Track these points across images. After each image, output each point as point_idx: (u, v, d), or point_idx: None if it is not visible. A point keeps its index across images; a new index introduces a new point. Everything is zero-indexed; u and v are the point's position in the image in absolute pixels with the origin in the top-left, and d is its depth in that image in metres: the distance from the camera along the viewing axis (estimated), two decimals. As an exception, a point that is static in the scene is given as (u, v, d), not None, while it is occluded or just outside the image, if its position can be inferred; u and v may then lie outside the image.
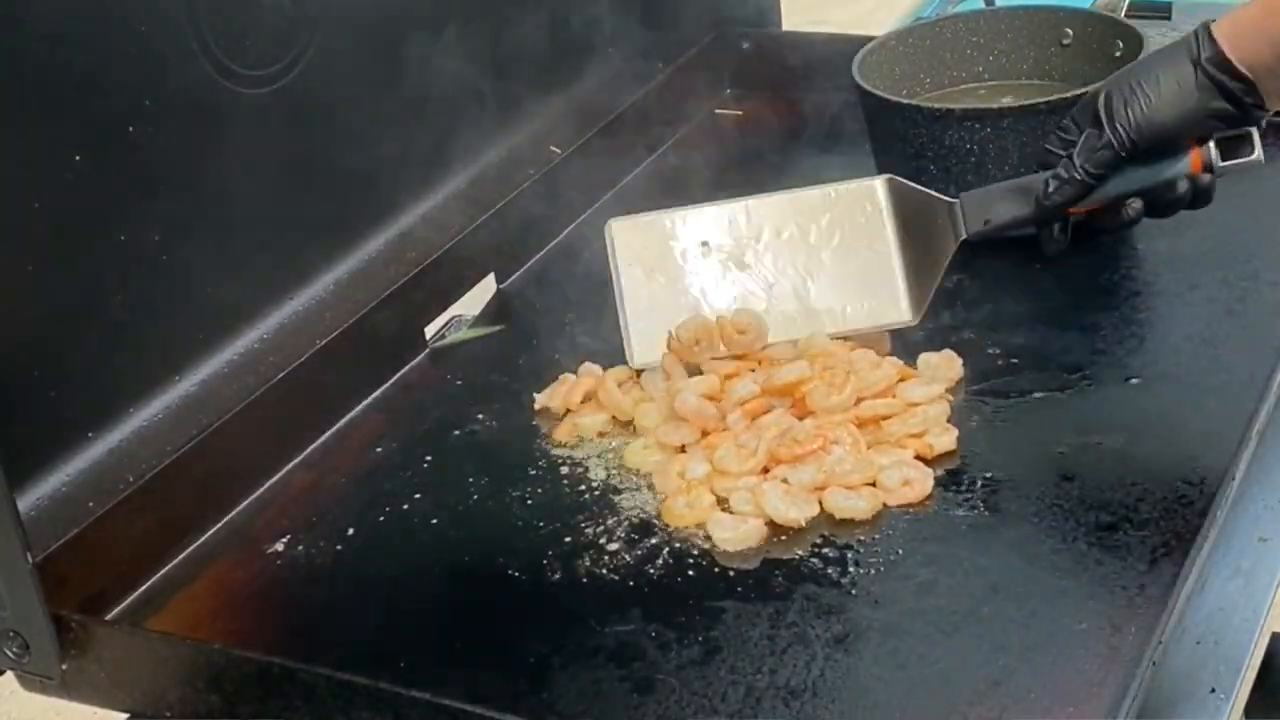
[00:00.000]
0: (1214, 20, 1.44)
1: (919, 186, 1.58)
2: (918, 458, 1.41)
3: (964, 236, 1.53)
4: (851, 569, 1.31)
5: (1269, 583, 1.26)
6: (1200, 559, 1.26)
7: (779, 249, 1.60)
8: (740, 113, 2.11)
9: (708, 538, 1.36)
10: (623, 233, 1.62)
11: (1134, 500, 1.33)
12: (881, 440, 1.44)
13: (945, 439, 1.43)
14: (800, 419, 1.46)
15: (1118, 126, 1.43)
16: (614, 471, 1.47)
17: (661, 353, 1.55)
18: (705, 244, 1.61)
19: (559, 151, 1.90)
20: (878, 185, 1.60)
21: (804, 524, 1.36)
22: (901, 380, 1.50)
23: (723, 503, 1.40)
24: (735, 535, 1.35)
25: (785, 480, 1.40)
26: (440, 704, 1.15)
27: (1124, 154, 1.44)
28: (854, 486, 1.38)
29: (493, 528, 1.42)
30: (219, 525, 1.46)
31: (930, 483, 1.38)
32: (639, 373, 1.58)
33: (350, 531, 1.44)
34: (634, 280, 1.60)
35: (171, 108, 1.47)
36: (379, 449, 1.56)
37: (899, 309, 1.56)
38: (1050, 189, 1.48)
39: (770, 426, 1.45)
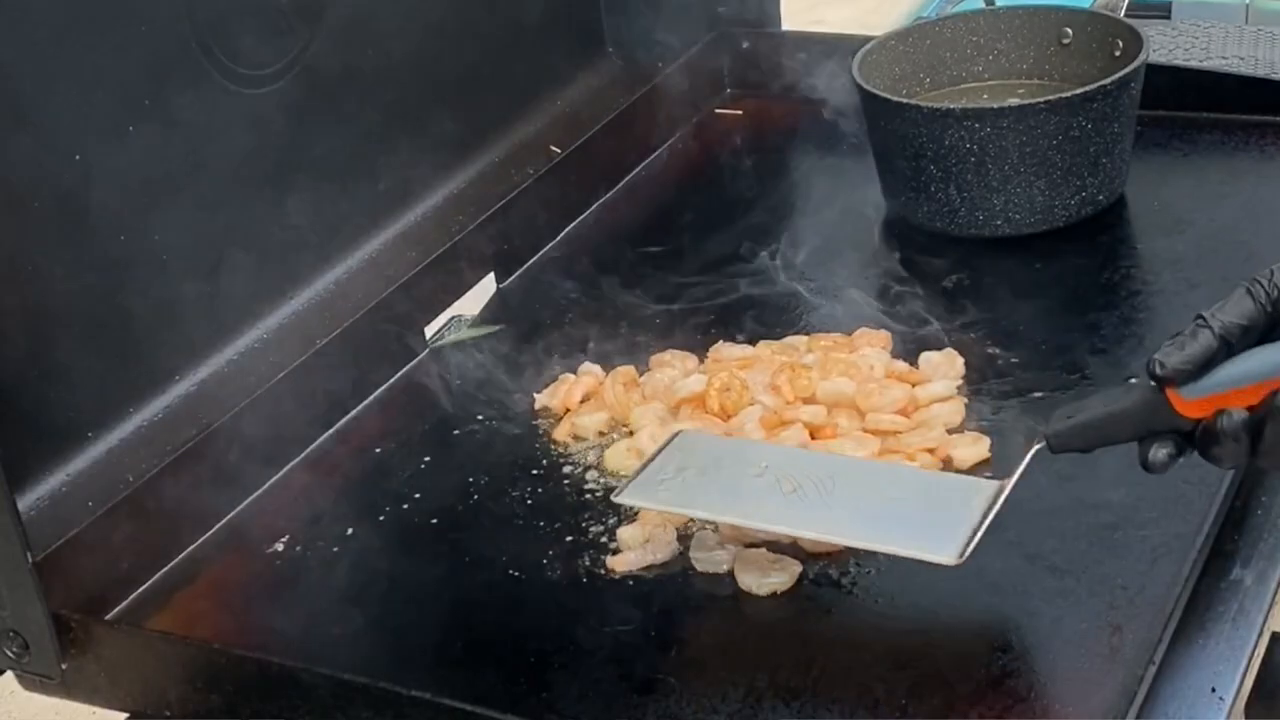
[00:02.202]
0: None
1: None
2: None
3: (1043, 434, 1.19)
4: (852, 569, 1.31)
5: (1269, 582, 1.26)
6: (1200, 559, 1.26)
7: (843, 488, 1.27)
8: (740, 113, 2.11)
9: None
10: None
11: (1134, 500, 1.32)
12: (895, 450, 1.43)
13: (976, 449, 1.42)
14: (813, 435, 1.46)
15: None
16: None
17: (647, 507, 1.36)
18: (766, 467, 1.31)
19: (559, 151, 1.90)
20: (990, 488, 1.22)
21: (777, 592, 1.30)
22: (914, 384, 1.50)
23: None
24: (709, 558, 1.34)
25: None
26: (440, 704, 1.16)
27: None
28: None
29: (493, 528, 1.42)
30: (219, 525, 1.46)
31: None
32: (640, 374, 1.58)
33: (350, 531, 1.44)
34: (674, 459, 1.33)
35: (171, 108, 1.47)
36: (379, 449, 1.56)
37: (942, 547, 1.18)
38: (1163, 350, 1.10)
39: (790, 440, 1.44)
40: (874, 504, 1.21)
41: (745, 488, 1.26)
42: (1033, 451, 1.16)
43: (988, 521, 1.13)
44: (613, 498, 1.33)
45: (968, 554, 1.12)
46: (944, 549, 1.13)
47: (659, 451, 1.33)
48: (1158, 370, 1.09)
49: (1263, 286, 1.11)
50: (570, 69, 2.04)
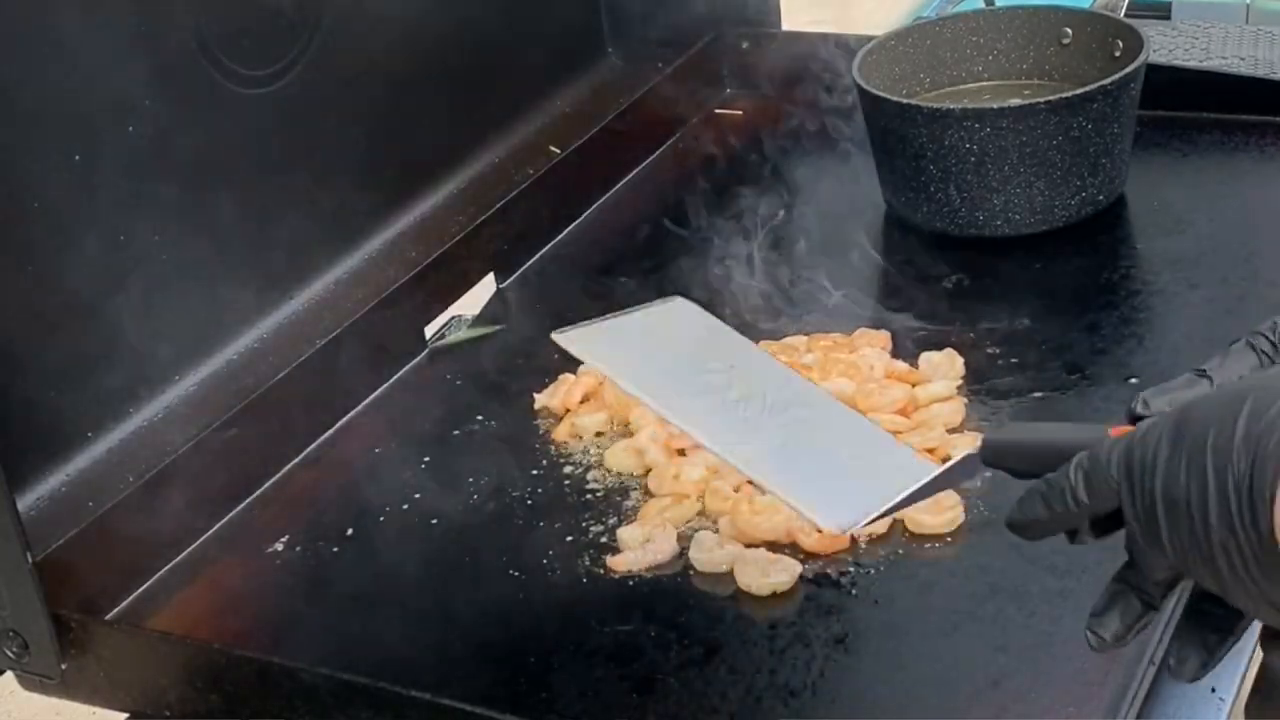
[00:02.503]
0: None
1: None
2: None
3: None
4: (851, 568, 1.31)
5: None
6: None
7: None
8: (740, 113, 2.11)
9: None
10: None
11: (1134, 500, 1.32)
12: None
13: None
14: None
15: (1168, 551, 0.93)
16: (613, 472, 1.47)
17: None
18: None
19: (559, 151, 1.90)
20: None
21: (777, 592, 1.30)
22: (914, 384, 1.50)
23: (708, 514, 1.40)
24: (709, 558, 1.34)
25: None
26: (440, 704, 1.15)
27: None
28: None
29: (493, 528, 1.42)
30: (219, 525, 1.46)
31: (960, 512, 1.34)
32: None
33: (350, 531, 1.44)
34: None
35: (171, 107, 1.47)
36: (379, 449, 1.56)
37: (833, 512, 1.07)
38: (1151, 391, 1.02)
39: None
40: (805, 445, 1.11)
41: (690, 377, 1.15)
42: (963, 453, 1.05)
43: (893, 504, 1.02)
44: (552, 334, 1.19)
45: (857, 528, 1.04)
46: (836, 517, 1.03)
47: (641, 308, 1.22)
48: (1139, 409, 1.02)
49: (1267, 338, 1.06)
50: (570, 69, 2.04)
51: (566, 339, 1.17)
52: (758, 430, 1.10)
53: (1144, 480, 0.91)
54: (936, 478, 1.04)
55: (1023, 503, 0.99)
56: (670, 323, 1.21)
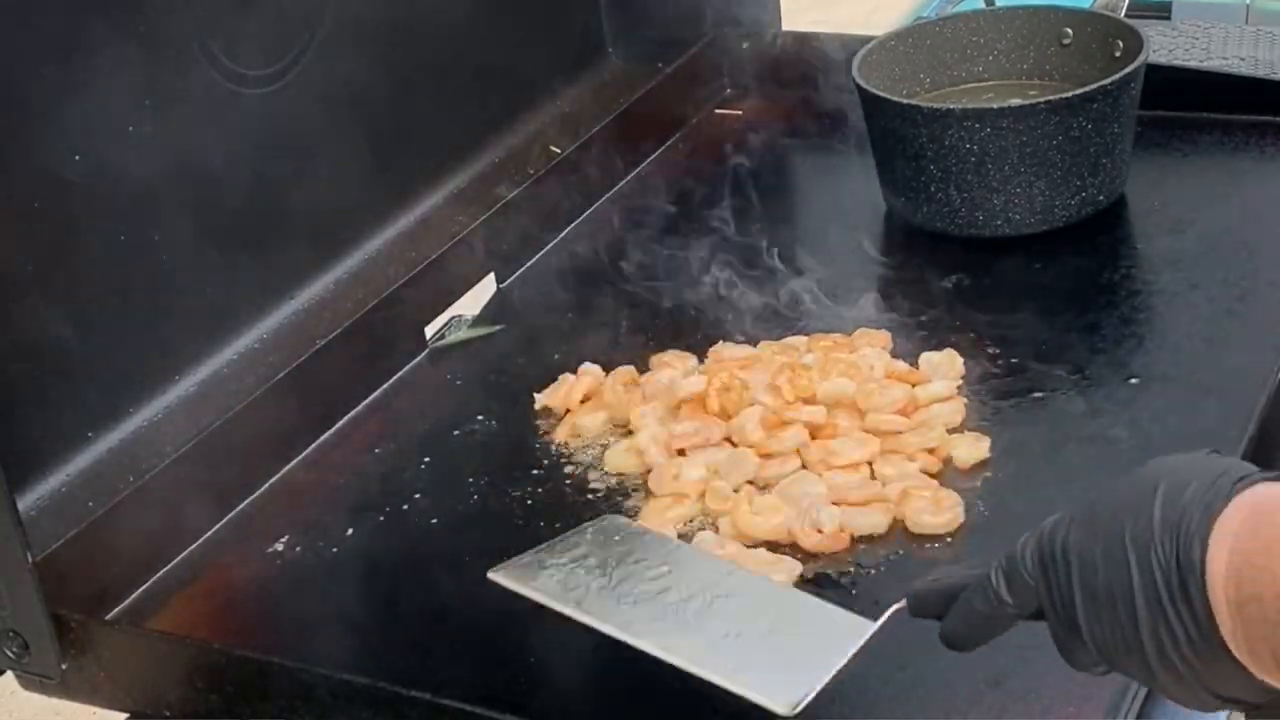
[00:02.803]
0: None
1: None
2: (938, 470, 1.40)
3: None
4: (851, 569, 1.31)
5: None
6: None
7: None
8: (740, 113, 2.11)
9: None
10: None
11: (1134, 500, 1.32)
12: (895, 450, 1.43)
13: (977, 449, 1.42)
14: (813, 436, 1.46)
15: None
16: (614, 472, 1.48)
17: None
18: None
19: (559, 151, 1.90)
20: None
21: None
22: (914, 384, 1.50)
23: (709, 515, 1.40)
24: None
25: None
26: (440, 704, 1.15)
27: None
28: (867, 503, 1.37)
29: (493, 528, 1.42)
30: (219, 525, 1.46)
31: (960, 512, 1.35)
32: (640, 374, 1.58)
33: (350, 531, 1.44)
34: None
35: (171, 108, 1.47)
36: (379, 449, 1.56)
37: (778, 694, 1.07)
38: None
39: (790, 440, 1.44)
40: (748, 632, 1.14)
41: (629, 588, 1.18)
42: (893, 609, 1.07)
43: (837, 669, 1.05)
44: (488, 573, 1.23)
45: (802, 706, 1.04)
46: (785, 696, 1.05)
47: (574, 532, 1.27)
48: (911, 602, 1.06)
49: None
50: (570, 69, 2.04)
51: (503, 576, 1.21)
52: (701, 626, 1.13)
53: (1059, 576, 0.93)
54: (874, 633, 1.07)
55: (954, 614, 1.01)
56: (603, 540, 1.24)
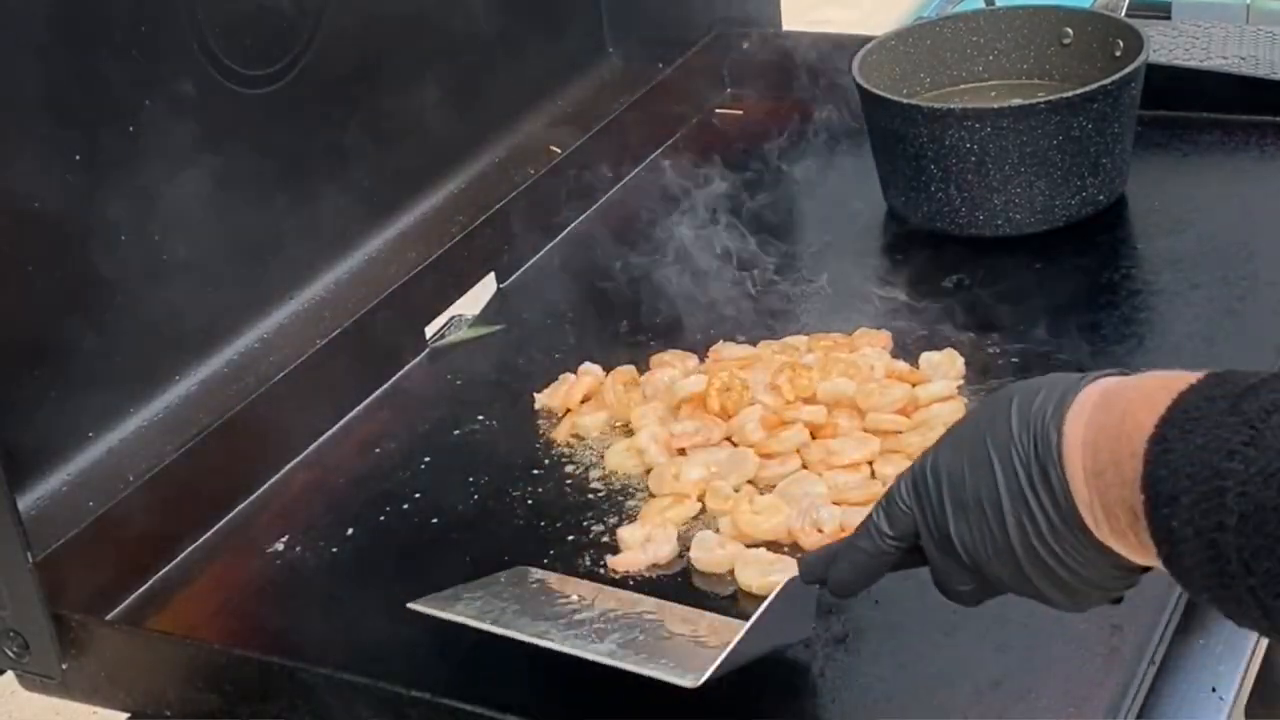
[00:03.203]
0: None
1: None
2: None
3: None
4: (851, 569, 1.31)
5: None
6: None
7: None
8: (740, 113, 2.11)
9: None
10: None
11: (1134, 500, 1.32)
12: (895, 449, 1.43)
13: None
14: (813, 435, 1.46)
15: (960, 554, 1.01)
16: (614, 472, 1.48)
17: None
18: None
19: (559, 151, 1.90)
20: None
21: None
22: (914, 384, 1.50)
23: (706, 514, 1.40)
24: (709, 558, 1.34)
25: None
26: (440, 704, 1.16)
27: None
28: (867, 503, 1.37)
29: (493, 528, 1.42)
30: (219, 525, 1.46)
31: None
32: (640, 374, 1.58)
33: (350, 531, 1.44)
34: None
35: (171, 108, 1.47)
36: (379, 449, 1.56)
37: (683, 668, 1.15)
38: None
39: (790, 440, 1.45)
40: (656, 633, 1.23)
41: (546, 610, 1.26)
42: (784, 582, 1.13)
43: (731, 646, 1.11)
44: (408, 604, 1.26)
45: (704, 679, 1.10)
46: (692, 673, 1.12)
47: (490, 578, 1.31)
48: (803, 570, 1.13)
49: None
50: (570, 69, 2.04)
51: (422, 605, 1.26)
52: (613, 632, 1.21)
53: (930, 495, 1.01)
54: (764, 612, 1.12)
55: (841, 560, 1.08)
56: (518, 580, 1.31)
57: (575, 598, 1.29)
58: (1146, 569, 0.93)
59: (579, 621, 1.24)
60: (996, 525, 0.96)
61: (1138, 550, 0.89)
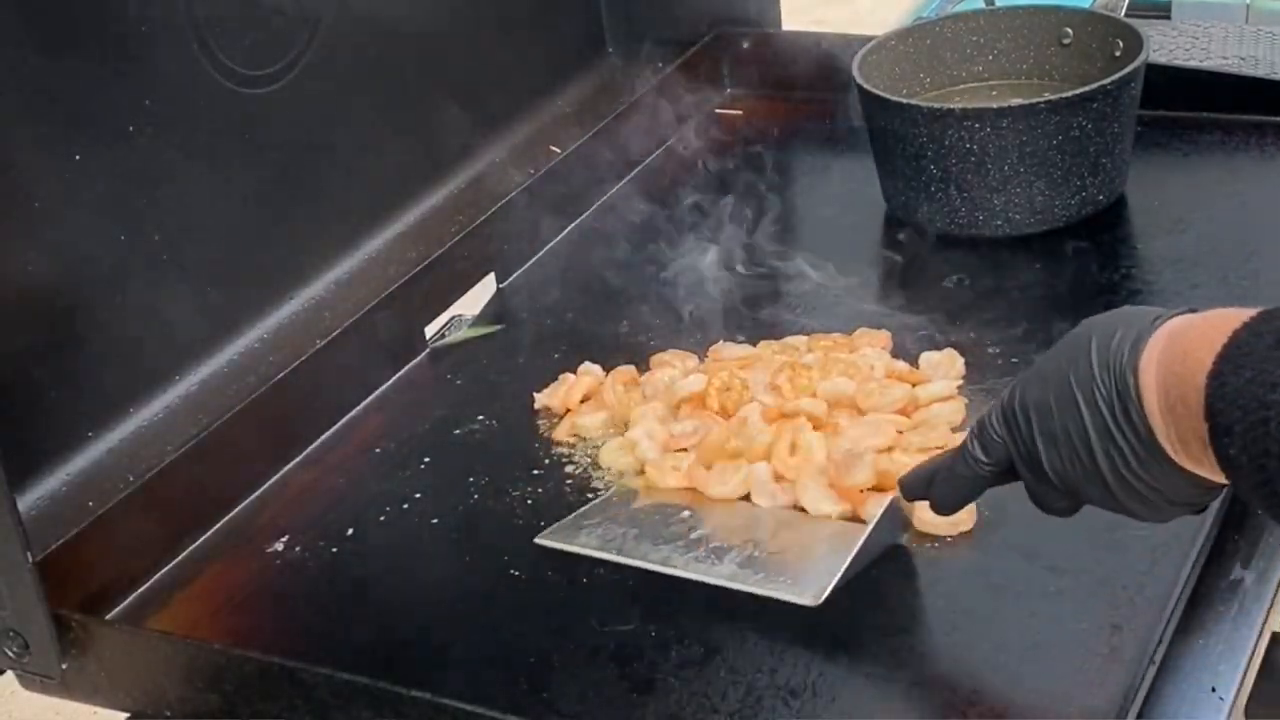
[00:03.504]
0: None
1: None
2: None
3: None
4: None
5: (1270, 582, 1.26)
6: (1200, 558, 1.26)
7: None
8: (740, 113, 2.11)
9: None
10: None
11: (1134, 500, 1.32)
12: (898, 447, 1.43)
13: None
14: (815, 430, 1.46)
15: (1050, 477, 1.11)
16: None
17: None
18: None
19: (559, 151, 1.90)
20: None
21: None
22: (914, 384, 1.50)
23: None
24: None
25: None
26: (440, 704, 1.15)
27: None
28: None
29: (493, 528, 1.42)
30: (219, 525, 1.46)
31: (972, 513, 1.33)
32: (640, 373, 1.58)
33: (350, 531, 1.44)
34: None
35: (171, 108, 1.47)
36: (379, 449, 1.56)
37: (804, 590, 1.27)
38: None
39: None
40: (765, 552, 1.33)
41: (662, 530, 1.36)
42: (884, 505, 1.27)
43: (845, 566, 1.24)
44: (536, 539, 1.38)
45: (824, 597, 1.23)
46: (810, 592, 1.24)
47: (599, 499, 1.41)
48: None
49: None
50: (570, 69, 2.04)
51: (549, 539, 1.38)
52: (725, 553, 1.32)
53: (1021, 428, 1.10)
54: (872, 532, 1.25)
55: (940, 482, 1.19)
56: (627, 499, 1.42)
57: (685, 514, 1.38)
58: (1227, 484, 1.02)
59: (695, 541, 1.34)
60: (1086, 456, 1.05)
61: (1215, 473, 0.98)
